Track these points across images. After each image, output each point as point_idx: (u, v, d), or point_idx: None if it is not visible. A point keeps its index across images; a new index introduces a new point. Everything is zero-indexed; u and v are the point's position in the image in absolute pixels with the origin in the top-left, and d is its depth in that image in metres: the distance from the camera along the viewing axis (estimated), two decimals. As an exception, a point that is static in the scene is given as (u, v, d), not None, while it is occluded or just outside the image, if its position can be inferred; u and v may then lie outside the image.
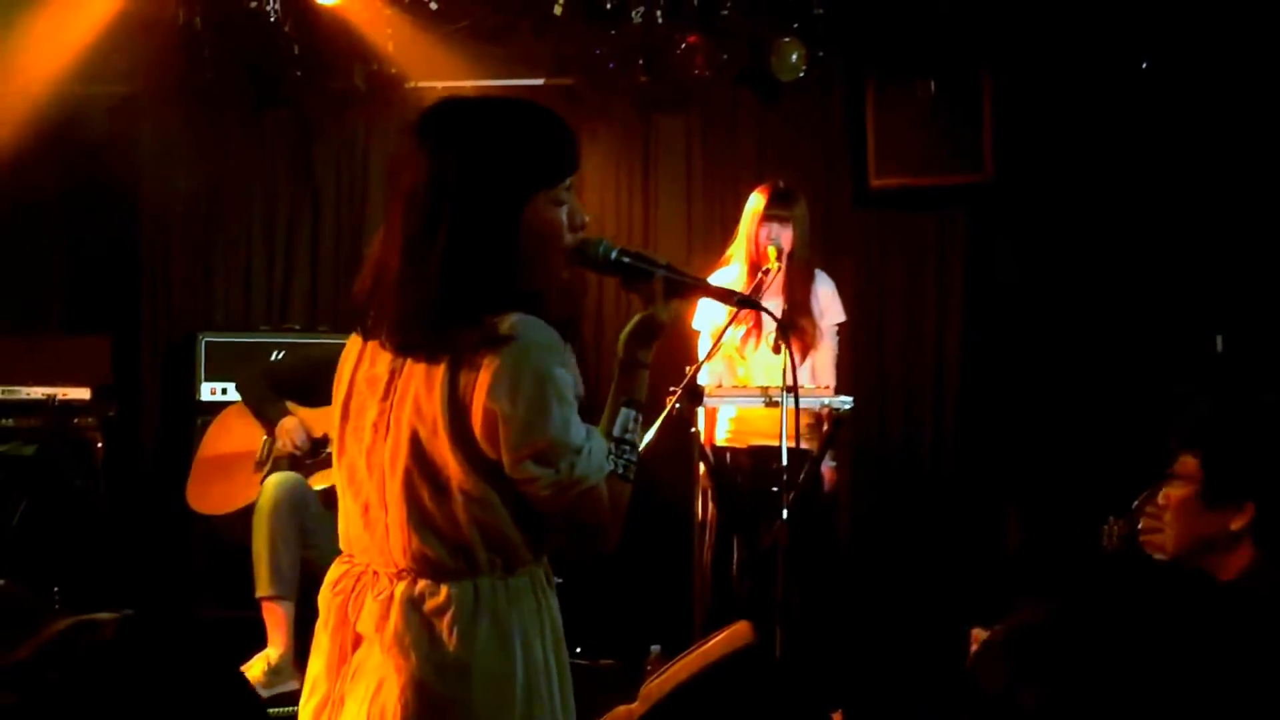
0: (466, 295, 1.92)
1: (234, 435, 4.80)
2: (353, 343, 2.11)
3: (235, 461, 4.76)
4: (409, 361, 1.97)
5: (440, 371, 1.92)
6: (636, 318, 2.10)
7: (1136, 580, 1.06)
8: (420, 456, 1.94)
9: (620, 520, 2.00)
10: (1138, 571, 1.18)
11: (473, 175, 1.94)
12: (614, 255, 2.08)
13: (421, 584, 1.96)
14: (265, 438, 4.68)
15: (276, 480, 4.41)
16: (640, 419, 2.07)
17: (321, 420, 4.58)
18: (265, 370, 4.79)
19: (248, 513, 4.48)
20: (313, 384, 4.57)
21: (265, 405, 4.65)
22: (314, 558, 4.27)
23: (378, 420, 1.99)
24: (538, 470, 1.91)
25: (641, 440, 2.08)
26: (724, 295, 2.32)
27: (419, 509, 1.95)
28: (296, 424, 4.60)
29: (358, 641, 2.02)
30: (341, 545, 2.11)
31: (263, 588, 4.33)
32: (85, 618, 1.02)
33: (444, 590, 1.95)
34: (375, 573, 2.01)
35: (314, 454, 4.59)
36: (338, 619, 2.04)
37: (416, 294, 1.93)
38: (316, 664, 2.07)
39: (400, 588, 1.97)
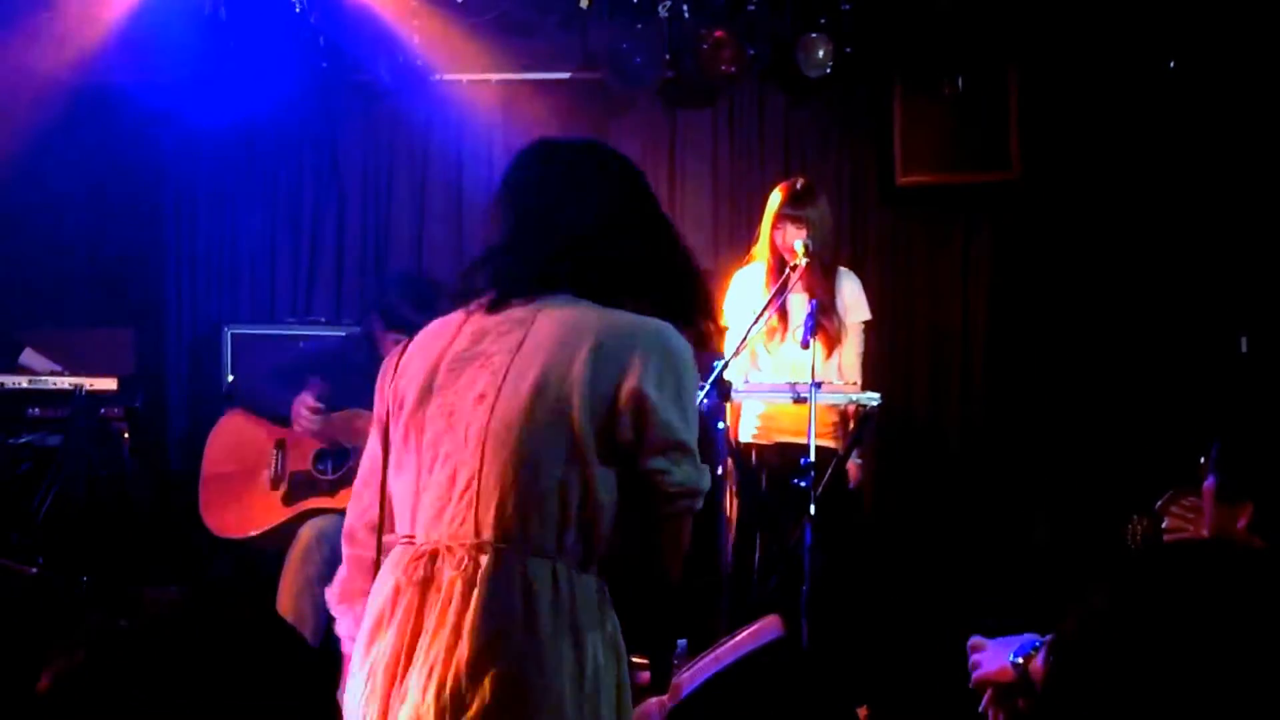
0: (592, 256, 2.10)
1: (240, 451, 4.52)
2: (436, 330, 2.13)
3: (246, 480, 4.51)
4: (534, 334, 2.01)
5: (583, 351, 1.97)
6: None
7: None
8: (537, 431, 1.96)
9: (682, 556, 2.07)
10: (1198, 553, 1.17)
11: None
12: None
13: (505, 559, 1.95)
14: (274, 449, 4.47)
15: (312, 534, 4.28)
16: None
17: (337, 428, 4.38)
18: (267, 371, 4.57)
19: (269, 534, 4.41)
20: (321, 376, 4.45)
21: (274, 402, 4.40)
22: None
23: (486, 391, 2.00)
24: (668, 465, 1.98)
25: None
26: None
27: (523, 481, 1.95)
28: (306, 402, 4.30)
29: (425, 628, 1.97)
30: (400, 526, 2.08)
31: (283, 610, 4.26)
32: None
33: (527, 566, 1.95)
34: (449, 548, 1.97)
35: (337, 464, 4.40)
36: (408, 608, 1.98)
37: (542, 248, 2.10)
38: (381, 648, 2.01)
39: (485, 561, 1.94)
